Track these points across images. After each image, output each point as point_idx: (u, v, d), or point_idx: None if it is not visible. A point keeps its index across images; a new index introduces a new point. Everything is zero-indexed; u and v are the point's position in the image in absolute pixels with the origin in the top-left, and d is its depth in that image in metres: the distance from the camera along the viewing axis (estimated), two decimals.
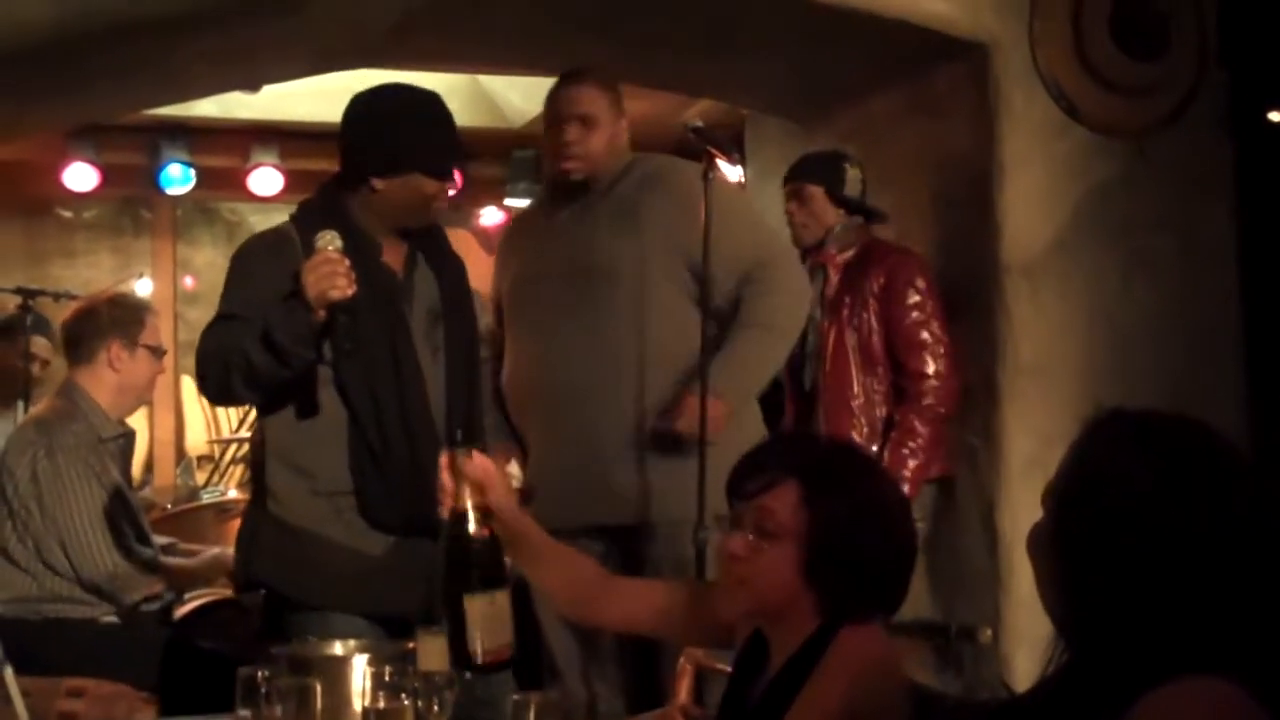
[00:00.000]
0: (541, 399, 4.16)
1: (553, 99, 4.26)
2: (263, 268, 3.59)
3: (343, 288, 3.37)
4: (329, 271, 3.37)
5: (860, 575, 2.33)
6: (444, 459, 2.62)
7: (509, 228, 4.51)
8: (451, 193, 8.88)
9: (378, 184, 3.63)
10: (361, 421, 3.55)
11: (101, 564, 4.24)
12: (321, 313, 3.39)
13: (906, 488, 4.73)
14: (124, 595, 4.28)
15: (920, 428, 4.86)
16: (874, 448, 4.85)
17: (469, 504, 2.57)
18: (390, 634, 3.38)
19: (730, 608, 2.45)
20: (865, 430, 4.90)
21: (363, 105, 3.72)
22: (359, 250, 3.53)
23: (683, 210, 4.00)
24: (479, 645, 2.48)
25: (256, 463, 3.69)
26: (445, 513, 2.58)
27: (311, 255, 3.44)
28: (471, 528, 2.56)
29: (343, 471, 3.56)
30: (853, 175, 5.04)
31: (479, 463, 2.61)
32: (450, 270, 3.82)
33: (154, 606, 4.42)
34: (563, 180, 4.22)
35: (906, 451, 4.83)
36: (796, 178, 5.10)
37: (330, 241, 3.43)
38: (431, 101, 3.75)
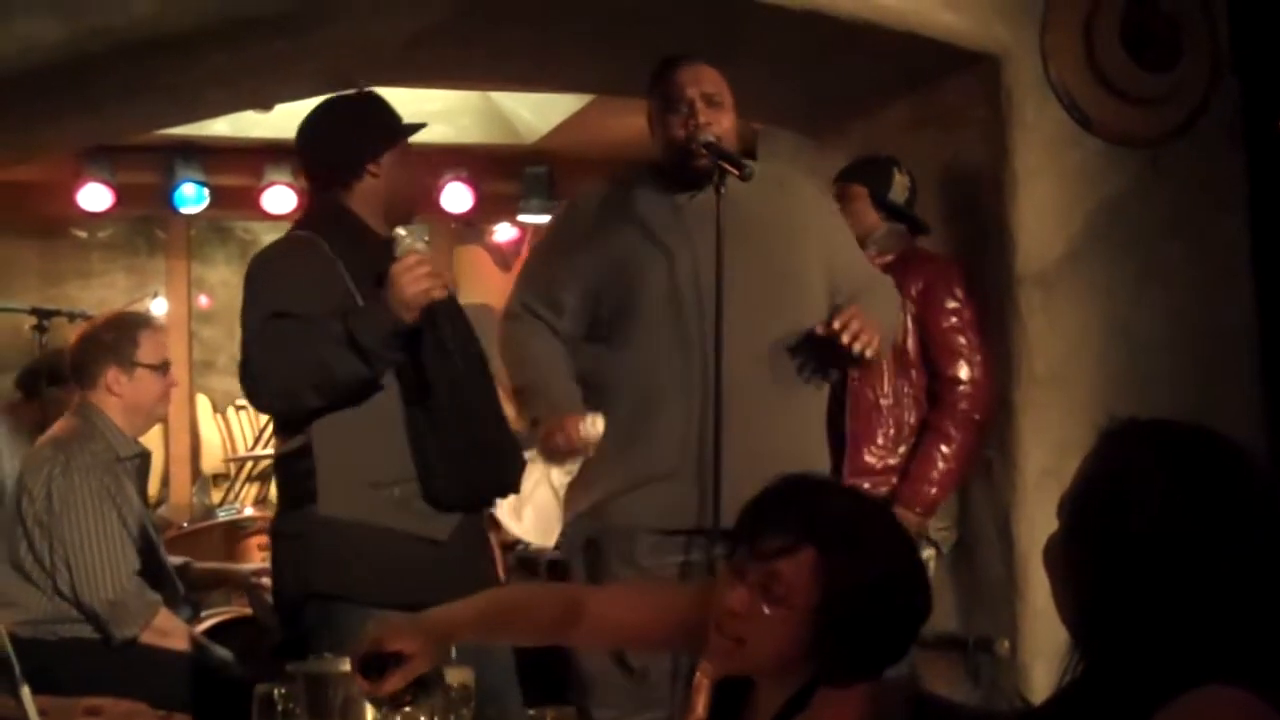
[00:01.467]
0: (700, 397, 3.89)
1: (672, 79, 4.02)
2: (301, 268, 3.60)
3: (442, 287, 3.50)
4: (427, 273, 3.47)
5: (866, 645, 2.20)
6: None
7: (586, 206, 4.19)
8: (465, 210, 8.95)
9: (374, 169, 3.71)
10: (420, 405, 3.58)
11: (102, 591, 4.20)
12: (416, 313, 3.46)
13: (934, 490, 4.74)
14: (118, 628, 4.22)
15: (954, 432, 4.85)
16: (900, 450, 4.85)
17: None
18: None
19: (722, 664, 2.31)
20: (892, 433, 4.89)
21: (325, 114, 3.85)
22: (376, 248, 3.61)
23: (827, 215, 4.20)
24: None
25: (297, 472, 3.67)
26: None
27: (384, 252, 3.53)
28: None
29: (401, 458, 3.58)
30: (900, 181, 5.03)
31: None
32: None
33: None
34: (682, 163, 3.99)
35: (938, 455, 4.82)
36: (844, 177, 5.11)
37: (415, 239, 3.56)
38: (369, 93, 3.91)
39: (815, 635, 2.16)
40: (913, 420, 4.91)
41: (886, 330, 4.11)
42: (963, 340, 4.92)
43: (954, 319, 4.93)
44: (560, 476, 4.01)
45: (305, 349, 3.47)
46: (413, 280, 3.44)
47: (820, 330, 3.91)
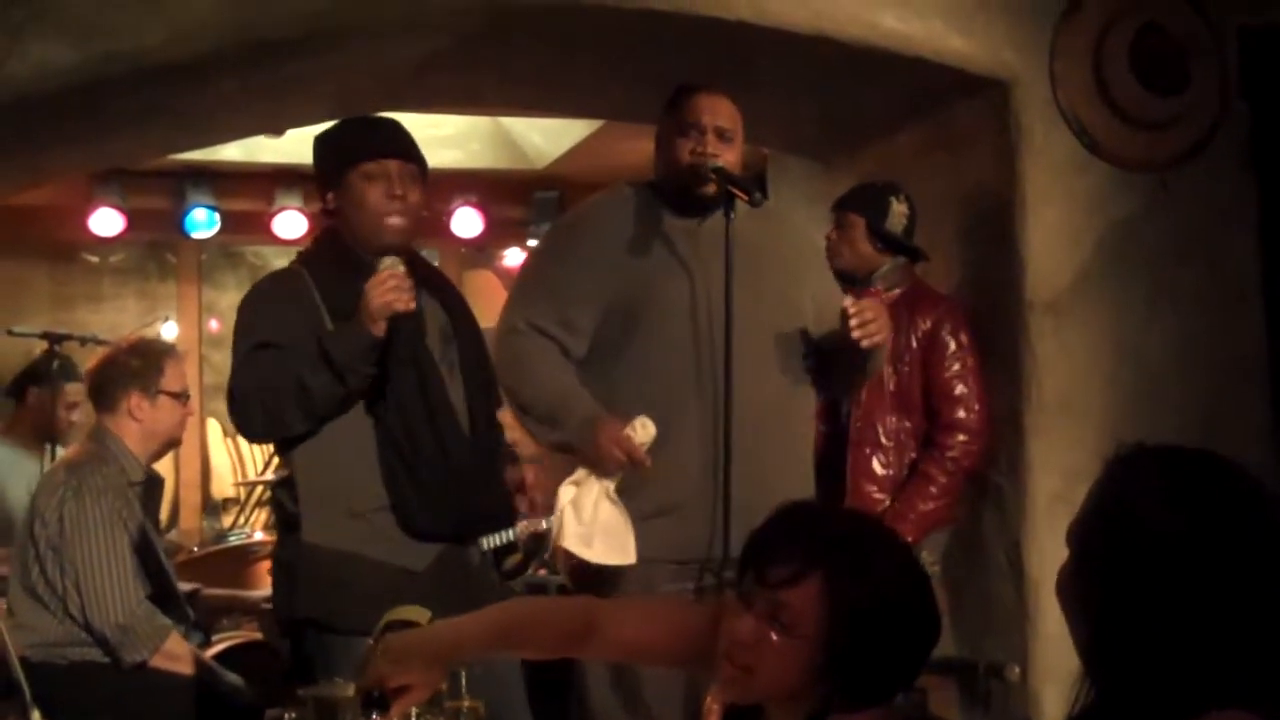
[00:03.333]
0: (712, 424, 3.90)
1: (691, 104, 4.03)
2: (284, 301, 3.66)
3: (406, 301, 3.53)
4: (395, 285, 3.51)
5: (876, 670, 2.19)
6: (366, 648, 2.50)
7: (594, 220, 4.19)
8: (475, 234, 8.96)
9: (332, 201, 3.75)
10: (392, 433, 3.59)
11: (112, 615, 4.20)
12: (382, 325, 3.50)
13: (910, 531, 4.70)
14: (127, 652, 4.22)
15: (939, 477, 4.85)
16: (899, 485, 4.86)
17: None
18: None
19: (732, 693, 2.29)
20: (892, 473, 4.89)
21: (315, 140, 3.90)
22: (363, 272, 3.62)
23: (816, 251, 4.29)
24: None
25: (285, 499, 3.69)
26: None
27: (369, 278, 3.56)
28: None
29: (377, 487, 3.58)
30: (897, 210, 5.02)
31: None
32: (450, 292, 3.94)
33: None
34: (686, 188, 4.02)
35: (918, 497, 4.82)
36: (842, 205, 5.11)
37: (395, 264, 3.57)
38: (346, 121, 3.92)
39: (825, 662, 2.14)
40: (911, 458, 4.92)
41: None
42: (963, 388, 4.92)
43: (956, 365, 4.92)
44: (613, 487, 3.87)
45: (283, 373, 3.53)
46: (380, 293, 3.51)
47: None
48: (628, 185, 4.20)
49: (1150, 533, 1.81)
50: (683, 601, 2.99)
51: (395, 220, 3.70)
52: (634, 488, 3.88)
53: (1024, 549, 5.15)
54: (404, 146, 3.79)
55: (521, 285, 4.20)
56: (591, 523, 3.82)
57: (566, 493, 3.85)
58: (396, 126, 3.87)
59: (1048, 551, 4.99)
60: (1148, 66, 5.26)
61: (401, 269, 3.56)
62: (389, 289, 3.51)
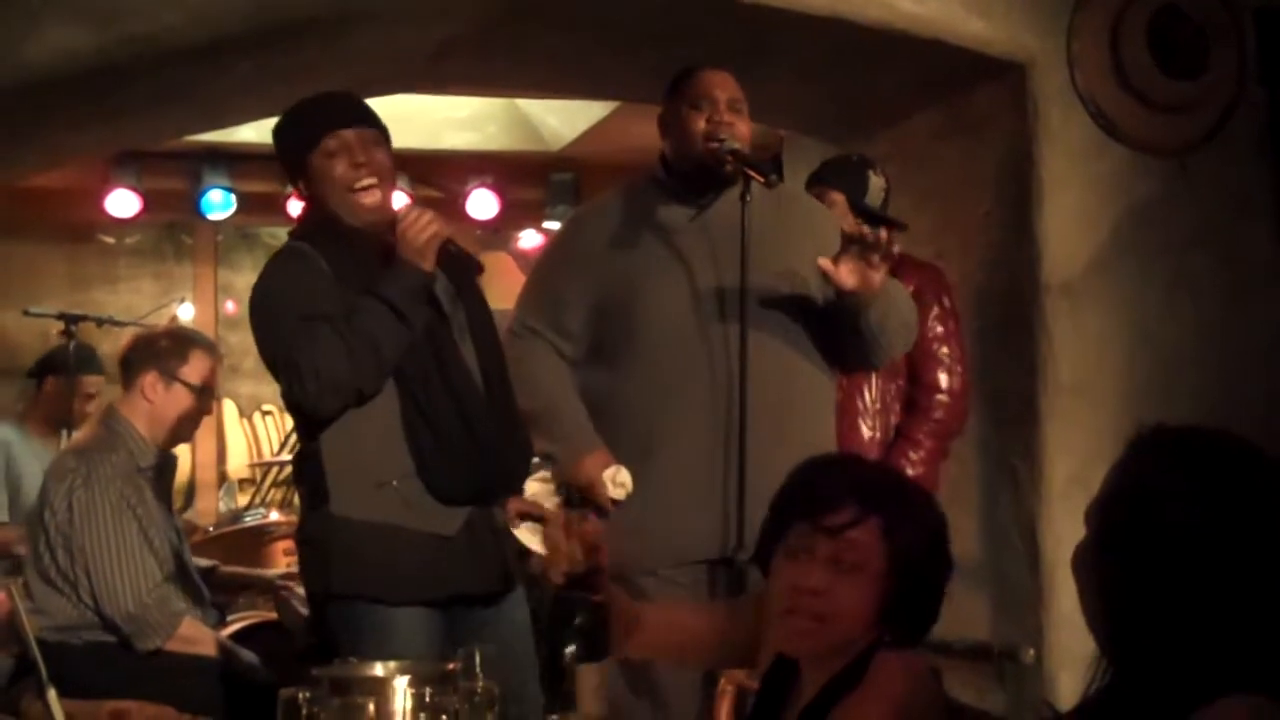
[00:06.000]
0: (718, 416, 3.87)
1: (699, 80, 4.00)
2: (307, 275, 3.61)
3: (446, 228, 3.55)
4: (430, 218, 3.54)
5: (925, 601, 2.37)
6: (560, 519, 2.54)
7: (593, 220, 4.17)
8: (490, 216, 8.97)
9: (304, 189, 3.71)
10: (414, 399, 3.58)
11: (121, 604, 4.19)
12: (432, 259, 3.53)
13: None
14: (139, 640, 4.22)
15: (925, 440, 4.84)
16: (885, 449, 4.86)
17: (582, 568, 2.47)
18: (460, 617, 3.56)
19: (806, 644, 2.36)
20: (879, 436, 4.88)
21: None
22: (361, 246, 3.61)
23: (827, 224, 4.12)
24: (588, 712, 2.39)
25: (311, 475, 3.67)
26: (557, 575, 2.47)
27: (364, 246, 3.58)
28: (584, 594, 2.45)
29: (402, 454, 3.58)
30: (875, 184, 4.98)
31: (594, 527, 2.55)
32: (448, 254, 3.80)
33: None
34: (704, 165, 3.96)
35: (905, 462, 4.81)
36: (819, 182, 5.07)
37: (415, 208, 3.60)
38: (310, 98, 3.81)
39: (885, 598, 2.30)
40: (897, 422, 4.90)
41: (907, 315, 4.07)
42: (945, 350, 4.90)
43: (939, 327, 4.91)
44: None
45: (350, 334, 3.48)
46: (420, 228, 3.51)
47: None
48: (632, 181, 4.18)
49: (1171, 511, 1.81)
50: (704, 606, 3.02)
51: (366, 183, 3.64)
52: (636, 486, 3.91)
53: (1039, 532, 5.15)
54: (359, 114, 3.73)
55: (525, 285, 4.26)
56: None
57: (529, 487, 3.91)
58: (347, 97, 3.82)
59: (1063, 534, 4.99)
60: (1165, 49, 5.25)
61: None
62: (428, 221, 3.53)
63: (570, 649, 2.40)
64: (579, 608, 2.43)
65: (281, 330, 3.56)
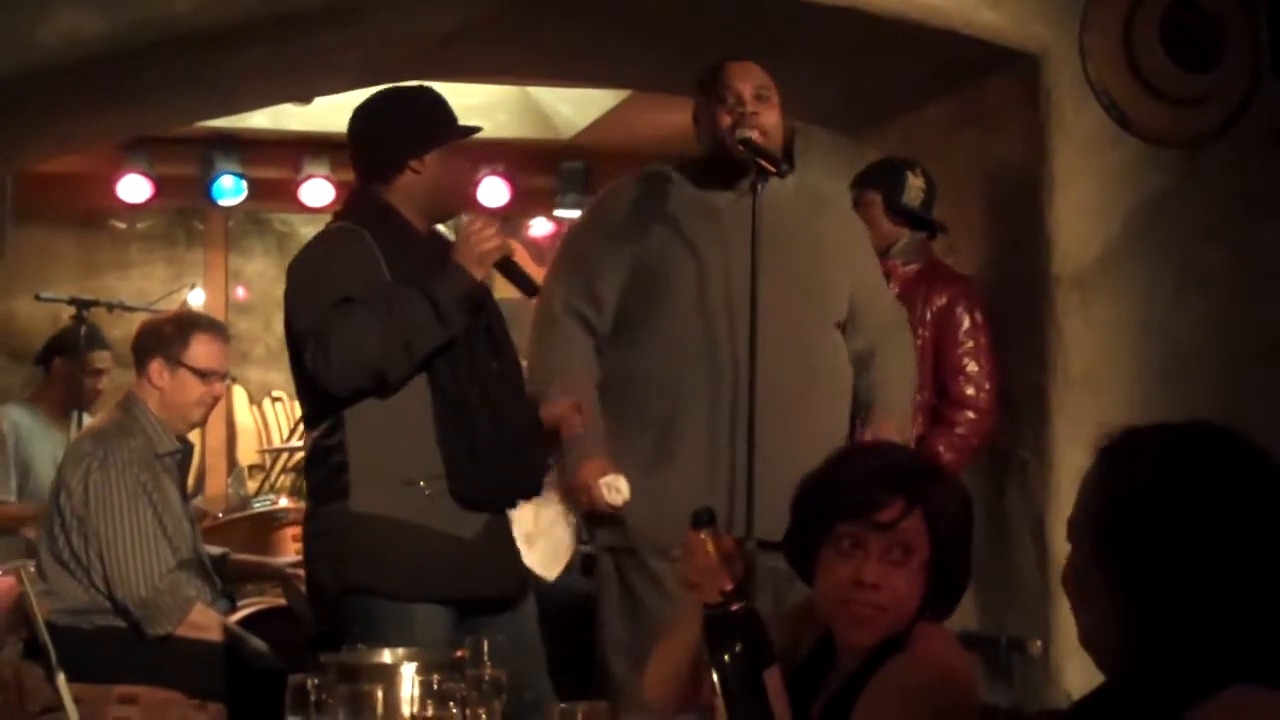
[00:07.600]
0: (730, 407, 3.95)
1: (725, 71, 4.09)
2: (357, 260, 3.62)
3: (506, 245, 3.62)
4: (495, 232, 3.61)
5: (962, 580, 2.52)
6: (695, 538, 2.40)
7: (624, 195, 4.23)
8: (501, 204, 8.98)
9: (417, 165, 3.71)
10: (450, 403, 3.60)
11: (135, 589, 4.19)
12: (483, 272, 3.60)
13: None
14: (150, 625, 4.22)
15: (945, 453, 4.83)
16: None
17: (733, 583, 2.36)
18: (474, 619, 3.58)
19: (869, 635, 2.45)
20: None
21: (373, 107, 3.83)
22: (416, 245, 3.67)
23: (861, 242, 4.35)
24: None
25: (329, 468, 3.68)
26: (706, 595, 2.34)
27: (421, 246, 3.67)
28: (739, 604, 2.32)
29: (431, 456, 3.59)
30: (914, 184, 5.00)
31: (729, 538, 2.51)
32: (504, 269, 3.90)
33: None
34: (728, 158, 4.03)
35: None
36: (858, 183, 5.10)
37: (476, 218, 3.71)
38: (425, 88, 3.88)
39: (933, 585, 2.45)
40: (919, 431, 4.90)
41: (907, 389, 4.30)
42: (974, 366, 4.90)
43: (969, 342, 4.91)
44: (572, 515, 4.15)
45: (388, 318, 3.50)
46: (484, 238, 3.58)
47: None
48: (661, 165, 4.26)
49: (1155, 513, 1.79)
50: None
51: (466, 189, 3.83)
52: (648, 470, 3.99)
53: (1048, 525, 5.14)
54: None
55: (556, 265, 4.32)
56: (542, 533, 4.08)
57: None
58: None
59: None
60: (1179, 42, 5.23)
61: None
62: (491, 234, 3.59)
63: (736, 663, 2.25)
64: (734, 622, 2.29)
65: (321, 304, 3.56)
